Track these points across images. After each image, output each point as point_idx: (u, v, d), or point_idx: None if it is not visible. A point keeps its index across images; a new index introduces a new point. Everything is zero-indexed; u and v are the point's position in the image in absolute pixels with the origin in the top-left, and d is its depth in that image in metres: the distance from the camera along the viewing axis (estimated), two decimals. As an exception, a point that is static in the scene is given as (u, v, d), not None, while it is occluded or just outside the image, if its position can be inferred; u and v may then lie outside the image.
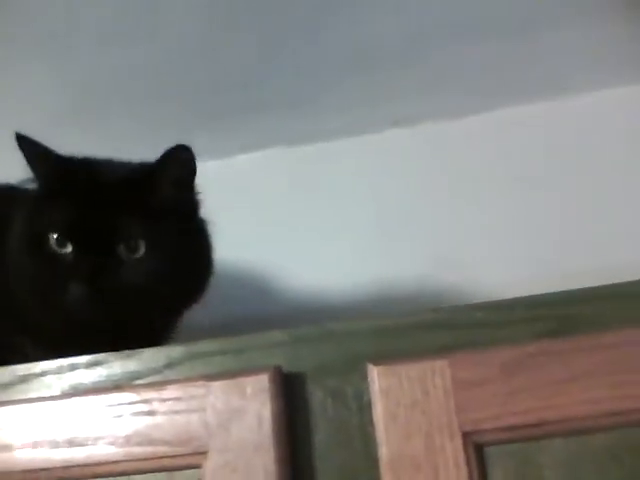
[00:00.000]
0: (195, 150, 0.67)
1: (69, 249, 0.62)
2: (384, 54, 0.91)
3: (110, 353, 0.57)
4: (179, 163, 0.65)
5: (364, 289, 0.98)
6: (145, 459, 0.51)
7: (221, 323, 0.82)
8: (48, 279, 0.62)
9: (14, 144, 0.65)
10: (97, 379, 0.56)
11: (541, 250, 0.94)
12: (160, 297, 0.64)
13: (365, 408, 0.49)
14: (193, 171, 0.68)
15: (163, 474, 0.51)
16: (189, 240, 0.67)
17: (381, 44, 0.89)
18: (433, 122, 1.03)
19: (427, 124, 1.03)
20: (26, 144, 0.65)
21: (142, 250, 0.62)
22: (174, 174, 0.66)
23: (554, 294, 0.51)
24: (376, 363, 0.49)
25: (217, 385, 0.51)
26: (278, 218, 1.03)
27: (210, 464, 0.48)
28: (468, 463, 0.44)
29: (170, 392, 0.52)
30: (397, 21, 0.85)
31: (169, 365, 0.56)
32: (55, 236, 0.62)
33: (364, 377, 0.49)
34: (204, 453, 0.49)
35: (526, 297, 0.51)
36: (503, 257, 0.95)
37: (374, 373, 0.48)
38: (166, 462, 0.50)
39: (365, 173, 1.04)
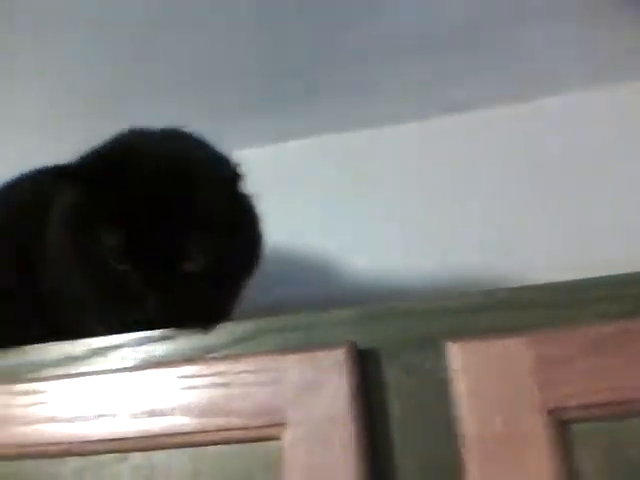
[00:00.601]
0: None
1: (130, 265, 0.61)
2: (443, 39, 0.90)
3: (183, 328, 0.58)
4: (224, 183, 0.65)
5: (414, 273, 0.98)
6: (220, 430, 0.51)
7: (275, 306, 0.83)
8: (113, 294, 0.62)
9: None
10: (171, 352, 0.57)
11: (589, 234, 0.93)
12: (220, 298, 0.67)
13: (443, 385, 0.49)
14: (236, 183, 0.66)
15: (239, 445, 0.51)
16: (242, 238, 0.67)
17: (440, 28, 0.88)
18: (486, 108, 1.02)
19: (480, 110, 1.03)
20: None
21: (202, 264, 0.61)
22: (221, 192, 0.64)
23: (634, 274, 0.51)
24: (455, 340, 0.49)
25: (293, 358, 0.52)
26: (331, 205, 1.04)
27: (289, 436, 0.49)
28: (552, 440, 0.44)
29: (244, 365, 0.53)
30: (448, 6, 0.85)
31: (241, 340, 0.56)
32: (115, 258, 0.61)
33: (441, 355, 0.49)
34: (282, 425, 0.49)
35: (606, 277, 0.51)
36: (552, 241, 0.94)
37: (454, 350, 0.48)
38: (241, 434, 0.51)
39: (417, 159, 1.04)
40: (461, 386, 0.47)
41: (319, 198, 1.05)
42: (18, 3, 0.79)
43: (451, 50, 0.91)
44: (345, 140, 1.07)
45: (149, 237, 0.59)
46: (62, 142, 0.72)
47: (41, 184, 0.72)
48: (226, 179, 0.64)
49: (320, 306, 0.59)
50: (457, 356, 0.48)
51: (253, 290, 0.72)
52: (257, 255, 0.70)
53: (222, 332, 0.57)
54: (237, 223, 0.66)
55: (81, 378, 0.56)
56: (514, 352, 0.47)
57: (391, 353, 0.52)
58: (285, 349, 0.53)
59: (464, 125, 1.04)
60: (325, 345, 0.52)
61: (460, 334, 0.49)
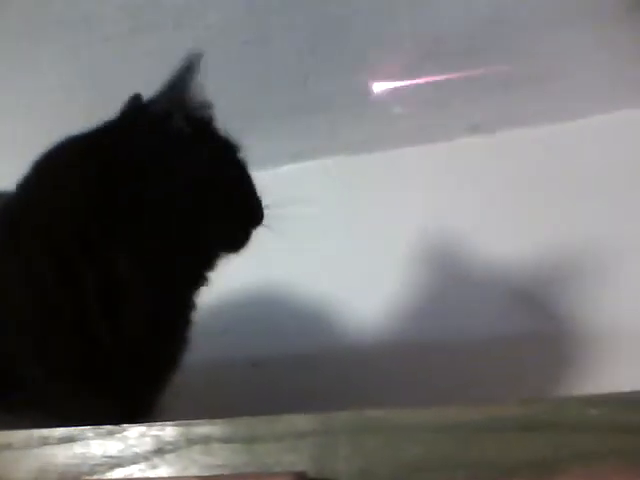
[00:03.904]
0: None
1: None
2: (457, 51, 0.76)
3: (87, 428, 0.44)
4: None
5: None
6: None
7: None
8: None
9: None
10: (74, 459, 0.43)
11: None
12: None
13: None
14: None
15: None
16: None
17: (455, 41, 0.74)
18: (512, 128, 0.87)
19: (505, 131, 0.88)
20: None
21: None
22: None
23: None
24: None
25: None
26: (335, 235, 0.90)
27: None
28: None
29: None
30: (472, 14, 0.71)
31: (158, 451, 0.42)
32: None
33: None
34: None
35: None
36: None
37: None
38: None
39: (431, 184, 0.89)
40: None
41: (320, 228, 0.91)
42: None
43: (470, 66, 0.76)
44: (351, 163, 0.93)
45: None
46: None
47: None
48: None
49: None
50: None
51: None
52: None
53: (135, 437, 0.43)
54: None
55: None
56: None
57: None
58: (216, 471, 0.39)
59: (488, 146, 0.89)
60: (266, 474, 0.38)
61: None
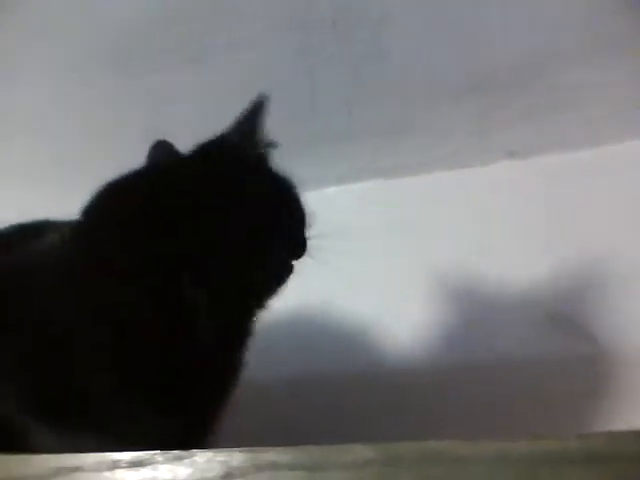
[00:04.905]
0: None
1: None
2: (497, 79, 0.77)
3: (156, 453, 0.46)
4: None
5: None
6: None
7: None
8: None
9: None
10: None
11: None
12: None
13: None
14: None
15: None
16: None
17: (494, 69, 0.75)
18: (549, 154, 0.88)
19: (542, 156, 0.89)
20: None
21: None
22: None
23: None
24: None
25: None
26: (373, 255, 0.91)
27: None
28: None
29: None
30: (511, 45, 0.72)
31: (227, 477, 0.44)
32: None
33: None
34: None
35: None
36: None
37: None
38: None
39: (471, 208, 0.91)
40: None
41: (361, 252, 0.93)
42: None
43: (508, 92, 0.78)
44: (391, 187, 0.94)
45: None
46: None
47: None
48: None
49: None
50: None
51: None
52: None
53: (203, 462, 0.44)
54: None
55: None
56: None
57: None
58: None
59: (526, 171, 0.90)
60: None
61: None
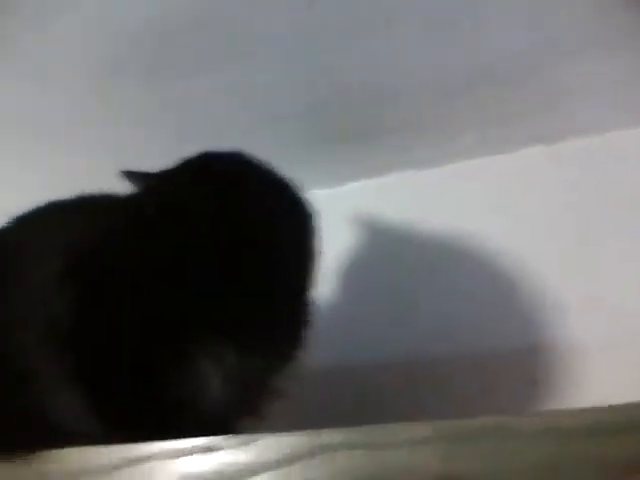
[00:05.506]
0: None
1: None
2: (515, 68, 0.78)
3: (221, 438, 0.48)
4: None
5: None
6: None
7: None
8: None
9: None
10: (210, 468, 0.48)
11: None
12: None
13: None
14: None
15: None
16: None
17: (511, 57, 0.77)
18: (573, 139, 0.89)
19: (567, 141, 0.90)
20: None
21: None
22: None
23: None
24: None
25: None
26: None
27: None
28: None
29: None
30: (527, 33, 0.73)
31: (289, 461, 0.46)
32: None
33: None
34: None
35: None
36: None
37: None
38: None
39: (500, 196, 0.92)
40: None
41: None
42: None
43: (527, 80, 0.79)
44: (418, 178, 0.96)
45: None
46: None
47: None
48: None
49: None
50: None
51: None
52: None
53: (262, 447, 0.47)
54: None
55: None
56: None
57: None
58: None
59: (552, 157, 0.91)
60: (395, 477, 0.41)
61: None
